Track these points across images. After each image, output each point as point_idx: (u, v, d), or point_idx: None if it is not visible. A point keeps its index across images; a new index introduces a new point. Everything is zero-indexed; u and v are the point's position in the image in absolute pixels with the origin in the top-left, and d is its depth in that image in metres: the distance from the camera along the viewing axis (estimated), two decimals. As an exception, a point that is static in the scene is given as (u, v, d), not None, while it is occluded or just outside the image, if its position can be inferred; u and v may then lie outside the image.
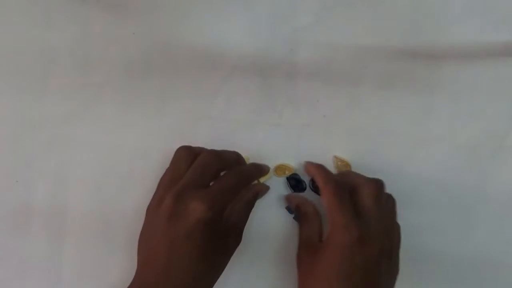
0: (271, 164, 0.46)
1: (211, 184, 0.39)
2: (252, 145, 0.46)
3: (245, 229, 0.42)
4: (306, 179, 0.46)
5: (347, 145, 0.47)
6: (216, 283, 0.39)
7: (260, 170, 0.43)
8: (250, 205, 0.43)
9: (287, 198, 0.46)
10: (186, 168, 0.39)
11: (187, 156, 0.39)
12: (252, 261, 0.46)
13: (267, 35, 0.46)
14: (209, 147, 0.46)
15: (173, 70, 0.46)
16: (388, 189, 0.46)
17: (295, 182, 0.46)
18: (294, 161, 0.46)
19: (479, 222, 0.47)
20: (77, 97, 0.46)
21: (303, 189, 0.46)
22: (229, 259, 0.40)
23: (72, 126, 0.46)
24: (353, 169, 0.46)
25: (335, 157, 0.47)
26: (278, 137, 0.46)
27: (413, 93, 0.47)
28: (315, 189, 0.46)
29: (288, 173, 0.46)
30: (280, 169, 0.46)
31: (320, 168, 0.42)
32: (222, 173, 0.40)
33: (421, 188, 0.47)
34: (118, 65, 0.46)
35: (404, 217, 0.46)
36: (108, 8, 0.46)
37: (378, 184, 0.40)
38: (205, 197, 0.36)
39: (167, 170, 0.40)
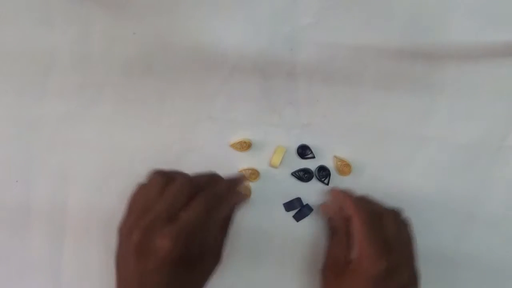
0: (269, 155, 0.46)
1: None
2: (252, 145, 0.46)
3: (244, 229, 0.42)
4: (313, 167, 0.47)
5: (347, 145, 0.47)
6: (216, 283, 0.39)
7: (232, 185, 0.42)
8: (227, 223, 0.42)
9: (323, 207, 0.46)
10: (158, 195, 0.38)
11: (161, 183, 0.38)
12: (252, 261, 0.46)
13: (267, 35, 0.46)
14: (209, 147, 0.46)
15: (173, 70, 0.46)
16: (388, 189, 0.47)
17: (302, 150, 0.46)
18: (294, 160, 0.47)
19: (479, 222, 0.47)
20: (77, 97, 0.46)
21: (309, 157, 0.47)
22: (206, 280, 0.39)
23: (72, 126, 0.46)
24: (353, 169, 0.46)
25: (335, 157, 0.47)
26: (278, 137, 0.46)
27: (413, 93, 0.47)
28: (321, 178, 0.46)
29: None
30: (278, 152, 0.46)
31: (348, 194, 0.44)
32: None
33: (421, 188, 0.47)
34: (118, 65, 0.46)
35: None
36: (108, 8, 0.46)
37: (399, 213, 0.42)
38: (172, 234, 0.36)
39: (138, 194, 0.40)
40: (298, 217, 0.46)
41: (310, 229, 0.46)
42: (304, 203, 0.46)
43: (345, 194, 0.44)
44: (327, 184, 0.46)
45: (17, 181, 0.46)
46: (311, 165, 0.47)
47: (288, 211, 0.46)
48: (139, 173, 0.46)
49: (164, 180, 0.38)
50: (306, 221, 0.46)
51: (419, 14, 0.46)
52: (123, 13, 0.46)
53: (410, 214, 0.46)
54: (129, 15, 0.46)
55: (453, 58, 0.46)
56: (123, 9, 0.46)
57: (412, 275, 0.40)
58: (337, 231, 0.44)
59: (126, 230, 0.38)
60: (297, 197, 0.46)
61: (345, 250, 0.42)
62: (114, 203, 0.46)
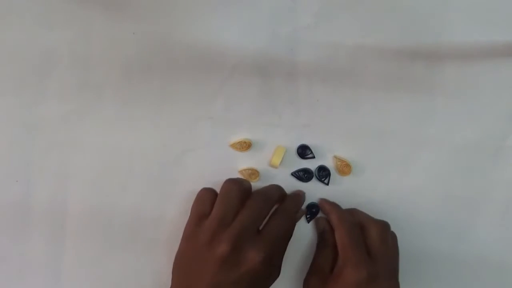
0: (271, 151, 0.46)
1: (261, 227, 0.40)
2: (252, 145, 0.46)
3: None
4: (313, 167, 0.47)
5: (347, 145, 0.47)
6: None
7: (299, 202, 0.45)
8: (290, 237, 0.43)
9: (317, 220, 0.46)
10: (239, 205, 0.40)
11: (239, 193, 0.41)
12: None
13: (267, 35, 0.46)
14: (209, 147, 0.46)
15: (173, 70, 0.46)
16: (388, 189, 0.47)
17: (302, 150, 0.46)
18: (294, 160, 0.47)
19: (479, 222, 0.47)
20: (77, 97, 0.46)
21: (309, 157, 0.47)
22: None
23: (72, 126, 0.46)
24: (353, 169, 0.46)
25: (335, 157, 0.47)
26: (278, 137, 0.46)
27: (413, 93, 0.47)
28: (321, 178, 0.46)
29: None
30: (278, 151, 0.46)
31: (335, 206, 0.45)
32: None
33: (421, 188, 0.47)
34: (118, 65, 0.46)
35: (404, 217, 0.46)
36: (108, 8, 0.46)
37: (385, 225, 0.43)
38: (262, 247, 0.38)
39: (209, 200, 0.42)
40: (309, 218, 0.46)
41: (310, 229, 0.46)
42: (306, 203, 0.46)
43: (331, 206, 0.45)
44: (327, 184, 0.46)
45: (17, 181, 0.46)
46: (311, 165, 0.47)
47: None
48: (139, 173, 0.46)
49: (243, 190, 0.41)
50: (304, 221, 0.46)
51: (419, 14, 0.46)
52: (123, 13, 0.46)
53: (409, 213, 0.46)
54: (129, 15, 0.46)
55: (453, 58, 0.46)
56: (123, 9, 0.46)
57: (393, 286, 0.41)
58: (326, 243, 0.44)
59: (205, 237, 0.39)
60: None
61: (331, 261, 0.43)
62: (114, 203, 0.46)
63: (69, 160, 0.46)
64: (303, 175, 0.46)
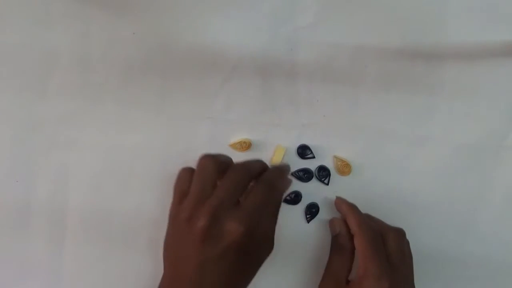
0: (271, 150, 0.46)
1: (241, 199, 0.39)
2: (252, 145, 0.46)
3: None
4: (313, 167, 0.47)
5: (347, 145, 0.47)
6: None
7: (283, 172, 0.43)
8: (277, 210, 0.41)
9: (332, 222, 0.45)
10: (215, 179, 0.38)
11: (215, 168, 0.39)
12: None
13: (267, 35, 0.46)
14: (209, 147, 0.46)
15: (173, 70, 0.46)
16: (388, 189, 0.47)
17: (302, 150, 0.46)
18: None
19: (479, 222, 0.47)
20: (77, 97, 0.46)
21: (309, 157, 0.46)
22: (259, 267, 0.40)
23: (72, 126, 0.46)
24: (353, 169, 0.46)
25: (335, 157, 0.47)
26: (278, 137, 0.46)
27: (413, 93, 0.47)
28: (321, 178, 0.46)
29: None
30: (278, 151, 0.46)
31: (354, 209, 0.43)
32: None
33: (421, 188, 0.47)
34: (118, 65, 0.46)
35: (404, 217, 0.46)
36: (108, 8, 0.46)
37: (402, 233, 0.42)
38: (241, 217, 0.36)
39: (187, 178, 0.40)
40: (310, 218, 0.46)
41: (309, 229, 0.46)
42: (306, 203, 0.46)
43: (350, 208, 0.43)
44: (327, 184, 0.46)
45: (17, 181, 0.46)
46: (311, 165, 0.47)
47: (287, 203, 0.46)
48: (139, 173, 0.46)
49: (217, 166, 0.39)
50: (304, 221, 0.46)
51: (419, 14, 0.46)
52: (123, 13, 0.46)
53: (410, 213, 0.46)
54: (129, 15, 0.46)
55: (453, 58, 0.46)
56: (123, 9, 0.46)
57: None
58: (343, 248, 0.43)
59: (185, 215, 0.37)
60: (297, 191, 0.46)
61: (348, 268, 0.42)
62: (114, 203, 0.46)
63: (69, 160, 0.46)
64: (303, 175, 0.46)
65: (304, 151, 0.46)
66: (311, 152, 0.46)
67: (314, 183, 0.47)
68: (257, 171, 0.40)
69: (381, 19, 0.46)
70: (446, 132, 0.47)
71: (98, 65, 0.46)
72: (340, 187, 0.46)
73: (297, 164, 0.46)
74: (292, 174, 0.46)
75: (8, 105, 0.46)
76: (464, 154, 0.47)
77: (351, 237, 0.42)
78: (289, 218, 0.46)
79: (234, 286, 0.38)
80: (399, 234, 0.42)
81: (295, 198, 0.46)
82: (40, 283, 0.46)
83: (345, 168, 0.46)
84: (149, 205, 0.46)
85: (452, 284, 0.47)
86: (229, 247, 0.36)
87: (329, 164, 0.47)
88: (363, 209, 0.45)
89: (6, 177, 0.46)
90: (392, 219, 0.44)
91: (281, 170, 0.42)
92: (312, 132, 0.47)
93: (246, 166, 0.40)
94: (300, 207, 0.46)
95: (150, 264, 0.45)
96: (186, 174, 0.40)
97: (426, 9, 0.46)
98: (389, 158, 0.47)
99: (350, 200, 0.46)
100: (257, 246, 0.38)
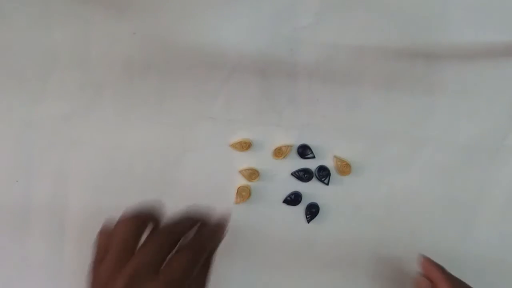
0: (271, 148, 0.46)
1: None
2: (252, 145, 0.46)
3: (243, 229, 0.42)
4: (313, 167, 0.46)
5: (347, 145, 0.47)
6: (215, 281, 0.39)
7: (217, 229, 0.38)
8: (207, 272, 0.38)
9: (418, 283, 0.42)
10: (136, 238, 0.35)
11: (137, 224, 0.36)
12: (251, 261, 0.46)
13: (267, 35, 0.46)
14: (209, 147, 0.46)
15: (173, 70, 0.46)
16: (388, 189, 0.47)
17: (302, 150, 0.46)
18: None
19: (479, 222, 0.47)
20: (77, 97, 0.46)
21: (309, 157, 0.46)
22: None
23: (72, 126, 0.46)
24: (353, 169, 0.46)
25: (335, 157, 0.47)
26: (278, 137, 0.46)
27: (413, 93, 0.47)
28: (321, 178, 0.46)
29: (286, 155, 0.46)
30: (279, 151, 0.46)
31: (448, 278, 0.41)
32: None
33: (421, 188, 0.47)
34: (118, 65, 0.46)
35: (404, 217, 0.46)
36: (108, 8, 0.46)
37: None
38: None
39: (107, 234, 0.37)
40: (310, 218, 0.46)
41: (309, 229, 0.46)
42: (306, 204, 0.46)
43: (443, 278, 0.40)
44: (327, 184, 0.46)
45: (17, 181, 0.46)
46: (311, 165, 0.47)
47: (288, 204, 0.46)
48: (139, 173, 0.46)
49: (140, 222, 0.36)
50: (304, 221, 0.46)
51: (419, 14, 0.46)
52: (123, 13, 0.46)
53: (410, 213, 0.46)
54: (129, 15, 0.46)
55: (453, 58, 0.46)
56: (123, 9, 0.46)
57: None
58: None
59: (105, 272, 0.34)
60: (296, 191, 0.46)
61: None
62: (114, 203, 0.46)
63: (69, 160, 0.46)
64: (303, 175, 0.46)
65: (304, 151, 0.46)
66: (311, 152, 0.46)
67: (314, 183, 0.47)
68: (185, 231, 0.37)
69: (381, 19, 0.46)
70: (446, 132, 0.47)
71: (98, 65, 0.46)
72: (340, 187, 0.46)
73: (297, 164, 0.46)
74: (292, 174, 0.46)
75: (8, 105, 0.46)
76: (464, 154, 0.47)
77: None
78: (289, 218, 0.46)
79: None
80: None
81: (295, 199, 0.46)
82: (40, 283, 0.46)
83: (345, 168, 0.46)
84: (149, 205, 0.46)
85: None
86: None
87: (329, 164, 0.47)
88: (363, 208, 0.45)
89: (6, 177, 0.46)
90: (392, 219, 0.44)
91: (215, 227, 0.38)
92: (312, 132, 0.47)
93: (171, 227, 0.36)
94: (300, 207, 0.46)
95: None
96: (102, 241, 0.37)
97: (426, 9, 0.46)
98: (389, 158, 0.47)
99: (351, 200, 0.46)
100: None
